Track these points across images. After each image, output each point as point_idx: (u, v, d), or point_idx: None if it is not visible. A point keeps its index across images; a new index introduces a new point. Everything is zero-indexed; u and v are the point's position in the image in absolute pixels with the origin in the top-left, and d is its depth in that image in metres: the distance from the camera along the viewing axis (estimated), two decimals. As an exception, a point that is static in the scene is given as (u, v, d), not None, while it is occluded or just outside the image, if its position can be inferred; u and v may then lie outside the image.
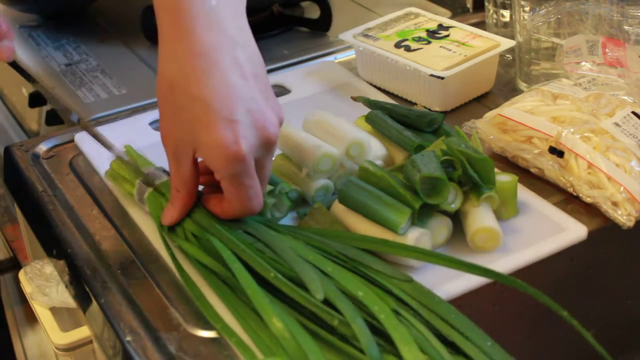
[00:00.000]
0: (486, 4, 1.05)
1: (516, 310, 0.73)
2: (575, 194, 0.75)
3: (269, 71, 1.01)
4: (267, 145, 0.64)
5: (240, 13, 0.65)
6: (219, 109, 0.61)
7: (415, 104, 0.91)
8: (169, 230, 0.69)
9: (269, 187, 0.72)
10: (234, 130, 0.61)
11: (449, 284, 0.65)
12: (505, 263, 0.67)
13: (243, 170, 0.63)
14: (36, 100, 1.03)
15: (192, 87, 0.62)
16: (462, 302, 0.64)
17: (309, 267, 0.62)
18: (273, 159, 0.68)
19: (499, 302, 0.71)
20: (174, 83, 0.63)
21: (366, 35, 0.96)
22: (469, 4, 1.15)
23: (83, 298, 0.71)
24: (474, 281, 0.65)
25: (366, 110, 0.83)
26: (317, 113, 0.78)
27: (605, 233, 0.73)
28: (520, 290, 0.59)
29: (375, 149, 0.77)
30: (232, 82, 0.62)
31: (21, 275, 0.82)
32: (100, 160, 0.83)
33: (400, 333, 0.55)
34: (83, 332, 0.78)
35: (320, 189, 0.74)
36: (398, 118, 0.80)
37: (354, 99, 0.87)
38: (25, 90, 1.04)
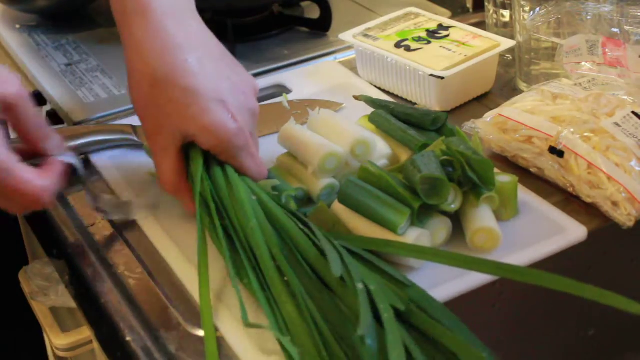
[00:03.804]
0: (486, 4, 1.05)
1: (515, 310, 0.73)
2: (575, 194, 0.75)
3: (269, 71, 1.01)
4: (253, 114, 0.70)
5: (193, 8, 0.72)
6: (208, 92, 0.66)
7: (416, 104, 0.91)
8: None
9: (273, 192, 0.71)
10: (227, 109, 0.67)
11: (449, 283, 0.65)
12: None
13: (246, 142, 0.68)
14: (36, 100, 1.03)
15: (178, 78, 0.66)
16: (462, 302, 0.64)
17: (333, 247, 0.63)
18: (279, 157, 0.75)
19: (498, 302, 0.71)
20: (157, 78, 0.66)
21: (366, 35, 0.96)
22: (469, 4, 1.15)
23: (83, 298, 0.71)
24: (473, 281, 0.65)
25: (367, 110, 0.83)
26: (322, 112, 0.78)
27: (605, 233, 0.73)
28: (528, 282, 0.58)
29: (381, 148, 0.77)
30: (211, 67, 0.68)
31: (21, 275, 0.82)
32: (100, 157, 0.83)
33: (394, 336, 0.55)
34: (83, 332, 0.78)
35: (325, 188, 0.74)
36: (401, 117, 0.80)
37: (357, 98, 0.87)
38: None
